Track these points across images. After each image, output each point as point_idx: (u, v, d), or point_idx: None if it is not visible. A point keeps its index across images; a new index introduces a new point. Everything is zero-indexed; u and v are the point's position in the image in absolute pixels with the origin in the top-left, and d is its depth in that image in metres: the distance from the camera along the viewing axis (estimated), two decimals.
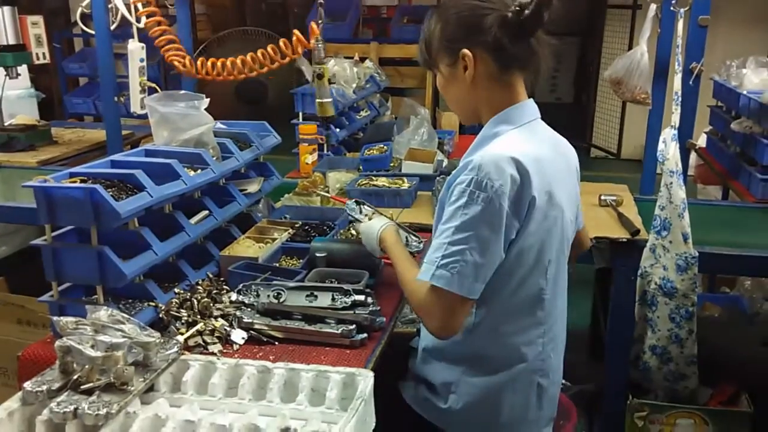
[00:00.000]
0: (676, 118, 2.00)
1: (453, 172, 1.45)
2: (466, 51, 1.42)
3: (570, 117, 8.62)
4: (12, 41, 3.17)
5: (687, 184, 3.04)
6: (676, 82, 2.00)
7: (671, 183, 1.98)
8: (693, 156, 3.60)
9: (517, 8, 1.38)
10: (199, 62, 2.45)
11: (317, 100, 2.26)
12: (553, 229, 1.46)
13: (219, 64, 2.46)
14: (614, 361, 2.29)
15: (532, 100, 1.52)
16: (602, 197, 2.44)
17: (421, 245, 1.80)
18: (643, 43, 2.44)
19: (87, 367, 1.25)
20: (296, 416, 1.23)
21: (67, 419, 1.18)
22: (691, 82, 2.02)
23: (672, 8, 2.05)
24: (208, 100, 1.89)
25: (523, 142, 1.43)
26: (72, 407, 1.18)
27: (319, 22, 2.42)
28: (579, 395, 2.54)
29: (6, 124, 3.45)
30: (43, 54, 3.34)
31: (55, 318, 1.35)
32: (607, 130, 7.02)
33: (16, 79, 3.35)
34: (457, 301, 1.36)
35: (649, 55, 2.51)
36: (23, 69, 3.61)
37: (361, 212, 1.81)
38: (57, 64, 6.25)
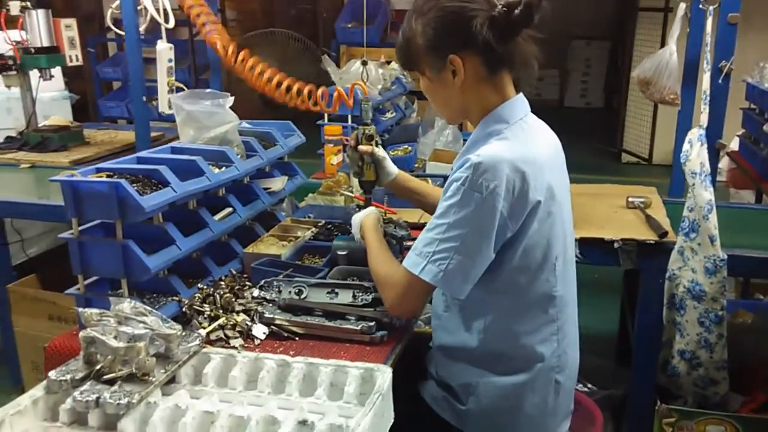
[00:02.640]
0: (704, 118, 1.96)
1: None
2: (454, 57, 1.40)
3: (600, 122, 8.56)
4: (46, 43, 3.24)
5: (719, 188, 3.00)
6: (705, 81, 1.97)
7: (694, 184, 1.95)
8: (726, 159, 3.54)
9: (504, 9, 1.35)
10: (241, 54, 2.45)
11: (365, 164, 1.82)
12: (556, 225, 1.46)
13: (258, 69, 2.45)
14: (642, 366, 2.25)
15: (521, 95, 1.50)
16: (630, 199, 2.41)
17: (405, 231, 1.85)
18: (672, 42, 2.40)
19: (110, 357, 1.26)
20: (314, 410, 1.24)
21: (89, 408, 1.19)
22: (720, 81, 1.97)
23: (701, 6, 2.01)
24: (233, 98, 1.92)
25: (521, 142, 1.42)
26: (94, 396, 1.20)
27: (365, 82, 2.34)
28: (606, 400, 2.50)
29: (40, 125, 3.53)
30: (76, 56, 3.40)
31: (80, 309, 1.37)
32: (638, 134, 6.92)
33: (49, 80, 3.42)
34: (429, 291, 1.46)
35: (679, 55, 2.47)
36: (57, 71, 3.68)
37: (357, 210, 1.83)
38: (91, 68, 6.39)
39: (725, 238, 1.99)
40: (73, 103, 4.41)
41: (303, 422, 1.16)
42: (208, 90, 1.97)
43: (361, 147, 1.77)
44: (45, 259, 3.55)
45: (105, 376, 1.25)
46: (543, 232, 1.43)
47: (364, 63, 2.41)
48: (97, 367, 1.27)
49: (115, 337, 1.28)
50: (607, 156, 7.18)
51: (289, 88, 2.36)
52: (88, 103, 6.83)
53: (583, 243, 2.14)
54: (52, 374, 1.26)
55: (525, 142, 1.43)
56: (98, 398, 1.20)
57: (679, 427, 2.21)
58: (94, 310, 1.35)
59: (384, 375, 1.29)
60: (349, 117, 2.98)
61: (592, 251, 2.15)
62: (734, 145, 3.45)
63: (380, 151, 1.80)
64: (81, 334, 1.29)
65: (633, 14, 6.91)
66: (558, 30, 9.55)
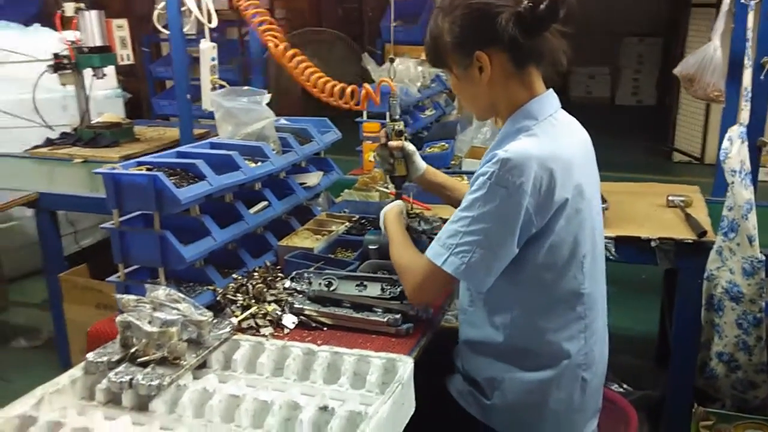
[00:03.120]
0: (745, 116, 1.92)
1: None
2: (480, 53, 1.41)
3: (652, 120, 8.36)
4: (99, 43, 3.37)
5: (765, 187, 2.91)
6: (746, 78, 1.92)
7: (733, 183, 1.90)
8: None
9: (530, 4, 1.35)
10: (290, 52, 2.52)
11: (395, 159, 1.85)
12: (585, 223, 1.45)
13: (303, 66, 2.51)
14: (679, 367, 2.21)
15: (551, 91, 1.49)
16: (670, 198, 2.36)
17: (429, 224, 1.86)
18: (716, 38, 2.35)
19: (144, 341, 1.32)
20: (336, 397, 1.27)
21: (123, 388, 1.26)
22: (762, 77, 1.92)
23: (743, 1, 1.97)
24: (270, 95, 1.97)
25: (550, 139, 1.41)
26: (128, 378, 1.26)
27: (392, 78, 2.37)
28: (642, 400, 2.46)
29: (93, 121, 3.67)
30: (128, 55, 3.53)
31: (118, 296, 1.44)
32: (690, 133, 6.74)
33: (102, 79, 3.56)
34: (449, 282, 1.46)
35: (724, 51, 2.41)
36: (110, 70, 3.83)
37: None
38: (145, 67, 6.58)
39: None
40: (125, 101, 4.58)
41: (324, 408, 1.20)
42: (246, 87, 2.03)
43: (391, 143, 1.80)
44: (96, 249, 3.70)
45: (139, 359, 1.32)
46: (570, 230, 1.43)
47: (392, 60, 2.44)
48: (132, 350, 1.34)
49: (150, 322, 1.34)
50: (658, 155, 7.01)
51: (323, 86, 2.41)
52: (142, 101, 7.06)
53: (619, 241, 2.12)
54: (90, 356, 1.34)
55: (554, 139, 1.43)
56: (131, 380, 1.26)
57: (716, 430, 2.16)
58: (132, 297, 1.41)
59: (405, 365, 1.32)
60: (387, 114, 3.01)
61: (629, 250, 2.12)
62: None
63: (409, 146, 1.83)
64: (118, 318, 1.36)
65: (685, 10, 6.73)
66: (609, 27, 9.40)
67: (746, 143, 1.91)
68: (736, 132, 1.93)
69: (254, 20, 2.52)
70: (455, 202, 1.85)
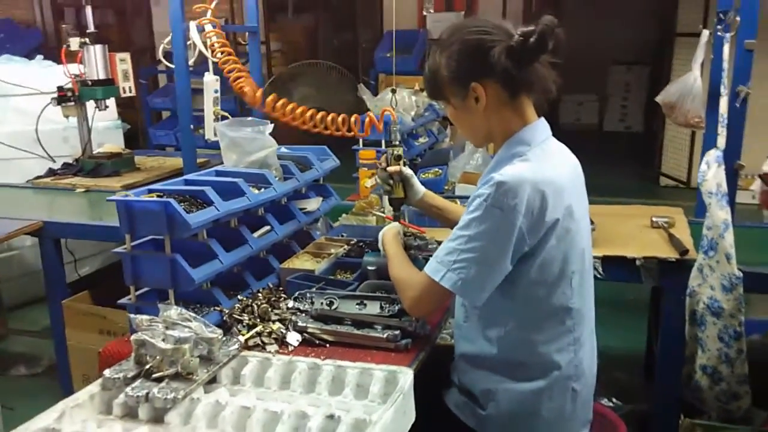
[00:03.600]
0: (721, 141, 2.03)
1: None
2: (476, 84, 1.52)
3: (640, 146, 8.53)
4: (102, 76, 3.48)
5: (754, 210, 3.02)
6: (722, 105, 2.04)
7: (710, 204, 2.01)
8: (758, 182, 3.55)
9: (521, 38, 1.46)
10: (270, 97, 2.62)
11: (394, 182, 1.94)
12: (574, 242, 1.55)
13: (288, 108, 2.59)
14: (665, 380, 2.30)
15: (542, 119, 1.60)
16: (654, 219, 2.47)
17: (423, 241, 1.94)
18: (696, 68, 2.48)
19: (158, 358, 1.41)
20: (341, 407, 1.35)
21: (139, 402, 1.34)
22: (737, 105, 2.05)
23: (719, 33, 2.10)
24: (272, 125, 2.07)
25: (541, 163, 1.51)
26: (144, 392, 1.34)
27: (394, 108, 2.47)
28: (631, 414, 2.54)
29: (94, 152, 3.77)
30: (129, 88, 3.63)
31: (132, 315, 1.52)
32: (676, 158, 6.90)
33: (104, 110, 3.66)
34: (446, 296, 1.55)
35: (703, 80, 2.54)
36: (111, 102, 3.94)
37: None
38: (142, 98, 6.72)
39: (756, 257, 2.03)
40: (124, 131, 4.68)
41: (330, 416, 1.28)
42: (250, 118, 2.13)
43: (390, 168, 1.90)
44: (95, 278, 3.76)
45: (154, 375, 1.40)
46: (561, 248, 1.53)
47: (393, 91, 2.56)
48: (147, 366, 1.41)
49: (163, 340, 1.42)
50: (645, 179, 7.16)
51: (322, 119, 2.51)
52: (139, 131, 7.18)
53: (606, 261, 2.22)
54: (107, 372, 1.41)
55: (546, 164, 1.53)
56: (148, 394, 1.34)
57: None
58: (145, 317, 1.50)
59: (406, 376, 1.40)
60: (383, 142, 3.13)
61: (616, 269, 2.22)
62: (766, 167, 3.46)
63: (407, 171, 1.93)
64: (133, 337, 1.44)
65: (671, 39, 6.93)
66: (597, 55, 9.62)
67: (722, 167, 2.02)
68: (713, 156, 2.04)
69: (227, 67, 2.64)
70: (453, 224, 1.95)
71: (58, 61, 4.36)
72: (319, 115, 2.53)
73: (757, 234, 2.74)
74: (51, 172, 3.70)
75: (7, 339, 3.92)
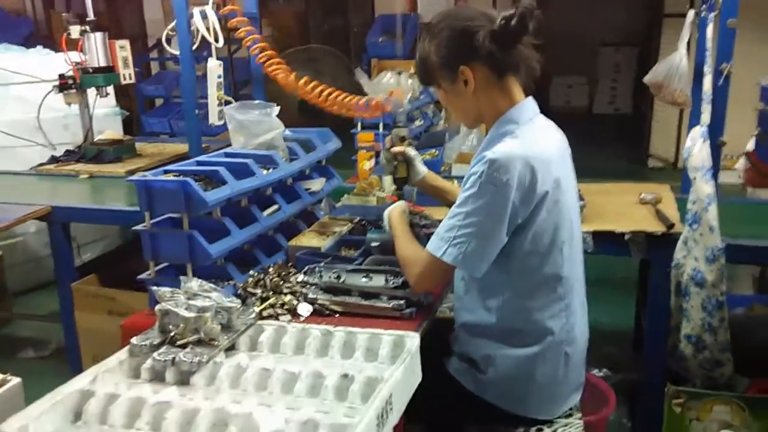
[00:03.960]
0: (705, 117, 2.14)
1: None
2: (464, 68, 1.62)
3: (629, 128, 8.65)
4: (103, 64, 3.55)
5: (738, 187, 3.14)
6: (706, 83, 2.15)
7: (695, 178, 2.12)
8: (743, 160, 3.68)
9: (503, 21, 1.57)
10: (302, 81, 2.74)
11: (397, 162, 2.06)
12: (563, 213, 1.66)
13: (318, 90, 2.73)
14: (652, 350, 2.42)
15: (530, 98, 1.71)
16: (642, 195, 2.59)
17: (428, 220, 2.03)
18: (682, 47, 2.58)
19: (182, 326, 1.51)
20: (354, 368, 1.45)
21: (167, 366, 1.44)
22: (720, 83, 2.15)
23: (702, 14, 2.20)
24: (279, 107, 2.16)
25: (530, 139, 1.62)
26: (171, 357, 1.44)
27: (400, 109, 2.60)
28: (621, 384, 2.67)
29: (95, 139, 3.84)
30: (129, 75, 3.70)
31: (154, 288, 1.62)
32: (664, 139, 7.02)
33: (105, 97, 3.74)
34: (448, 271, 1.68)
35: (689, 60, 2.64)
36: (110, 89, 4.00)
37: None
38: (136, 85, 6.75)
39: (741, 230, 2.12)
40: (123, 118, 4.74)
41: (345, 375, 1.39)
42: (257, 101, 2.22)
43: (394, 148, 2.01)
44: (100, 262, 3.85)
45: (178, 342, 1.50)
46: (551, 219, 1.64)
47: (399, 73, 2.68)
48: (171, 334, 1.52)
49: (187, 309, 1.52)
50: (633, 161, 7.29)
51: (348, 102, 2.66)
52: (133, 118, 7.22)
53: (596, 236, 2.33)
54: (134, 340, 1.52)
55: (534, 140, 1.64)
56: (174, 358, 1.44)
57: (687, 407, 2.37)
58: (167, 289, 1.60)
59: (413, 340, 1.51)
60: (381, 125, 3.22)
61: (605, 243, 2.34)
62: (751, 146, 3.59)
63: (411, 151, 2.03)
64: (157, 307, 1.54)
65: (659, 20, 7.02)
66: (586, 37, 9.72)
67: (707, 142, 2.13)
68: (698, 132, 2.15)
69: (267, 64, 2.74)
70: (452, 204, 2.06)
71: (54, 49, 4.42)
72: (342, 97, 2.65)
73: (738, 208, 2.88)
74: (54, 159, 3.78)
75: (14, 324, 4.00)
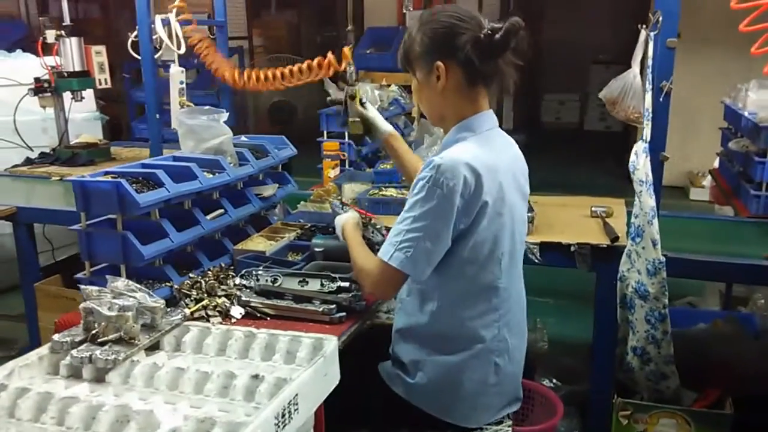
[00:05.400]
0: (647, 133, 2.17)
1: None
2: (440, 63, 1.65)
3: (618, 145, 8.68)
4: (78, 68, 3.59)
5: (704, 204, 3.14)
6: (647, 100, 2.18)
7: (641, 192, 2.15)
8: (708, 178, 3.70)
9: (489, 32, 1.60)
10: (245, 74, 2.80)
11: (350, 119, 2.28)
12: (505, 225, 1.67)
13: (261, 75, 2.79)
14: (600, 361, 2.43)
15: (491, 111, 1.73)
16: (593, 208, 2.61)
17: (381, 234, 2.04)
18: (636, 65, 2.60)
19: (103, 324, 1.52)
20: (269, 370, 1.46)
21: (83, 363, 1.45)
22: (660, 100, 2.18)
23: (644, 32, 2.24)
24: (227, 114, 2.19)
25: (480, 148, 1.64)
26: (88, 354, 1.46)
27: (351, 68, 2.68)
28: (571, 395, 2.68)
29: (71, 142, 3.87)
30: (105, 80, 3.73)
31: (83, 287, 1.63)
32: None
33: (80, 102, 3.76)
34: (400, 276, 1.63)
35: (643, 77, 2.66)
36: (88, 94, 4.03)
37: (342, 209, 2.06)
38: (127, 92, 6.81)
39: (687, 245, 2.15)
40: (103, 123, 4.78)
41: (255, 376, 1.40)
42: (207, 107, 2.25)
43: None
44: (70, 262, 3.86)
45: (99, 339, 1.51)
46: (492, 230, 1.65)
47: (349, 32, 2.77)
48: (93, 332, 1.53)
49: (109, 308, 1.54)
50: (618, 177, 7.31)
51: (291, 72, 2.71)
52: (122, 124, 7.26)
53: (543, 247, 2.35)
54: (55, 337, 1.53)
55: (484, 149, 1.66)
56: (91, 355, 1.45)
57: (634, 419, 2.38)
58: (94, 287, 1.61)
59: (330, 342, 1.52)
60: (346, 134, 3.27)
61: (553, 254, 2.36)
62: (716, 164, 3.62)
63: (370, 112, 2.14)
64: (81, 305, 1.56)
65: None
66: (578, 55, 9.78)
67: (649, 157, 2.15)
68: (641, 147, 2.17)
69: (208, 59, 2.80)
70: (406, 173, 2.09)
71: (38, 54, 4.47)
72: (288, 69, 2.69)
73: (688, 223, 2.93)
74: (28, 161, 3.80)
75: None
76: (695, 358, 2.47)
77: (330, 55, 2.72)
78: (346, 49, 2.69)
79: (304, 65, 2.74)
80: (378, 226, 2.15)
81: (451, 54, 1.64)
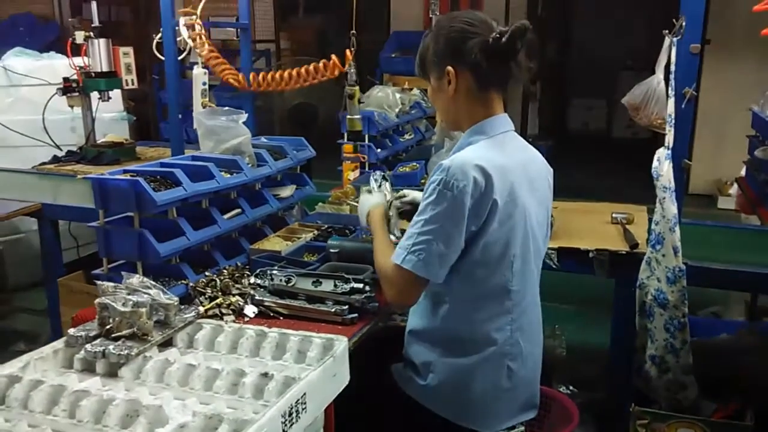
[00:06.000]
0: (669, 139, 2.14)
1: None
2: (450, 68, 1.66)
3: (646, 152, 8.57)
4: (105, 69, 3.65)
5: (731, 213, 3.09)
6: (670, 106, 2.15)
7: (664, 198, 2.11)
8: (735, 186, 3.64)
9: (497, 36, 1.60)
10: (251, 77, 2.84)
11: (348, 117, 2.47)
12: (516, 228, 1.65)
13: (269, 77, 2.83)
14: (617, 370, 2.40)
15: (506, 114, 1.72)
16: (614, 215, 2.58)
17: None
18: (659, 71, 2.57)
19: (117, 319, 1.54)
20: (279, 368, 1.47)
21: (97, 357, 1.48)
22: (683, 106, 2.15)
23: (667, 38, 2.21)
24: (246, 115, 2.21)
25: (491, 150, 1.64)
26: (101, 348, 1.48)
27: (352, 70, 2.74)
28: (588, 403, 2.64)
29: (98, 141, 3.94)
30: (132, 80, 3.80)
31: (99, 282, 1.66)
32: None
33: (108, 102, 3.83)
34: (417, 280, 1.61)
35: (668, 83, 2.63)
36: (116, 94, 4.10)
37: (378, 186, 2.03)
38: (155, 93, 6.91)
39: (709, 254, 2.12)
40: (131, 123, 4.85)
41: (264, 374, 1.41)
42: (226, 108, 2.27)
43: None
44: (91, 259, 3.92)
45: (113, 335, 1.54)
46: (503, 231, 1.64)
47: (354, 35, 2.80)
48: (107, 327, 1.55)
49: (123, 304, 1.56)
50: (645, 185, 7.22)
51: (298, 74, 2.76)
52: (151, 125, 7.37)
53: (561, 253, 2.33)
54: (71, 331, 1.56)
55: (495, 151, 1.65)
56: (104, 350, 1.48)
57: (651, 429, 2.33)
58: (110, 283, 1.64)
59: (341, 343, 1.53)
60: (366, 137, 3.27)
61: (570, 261, 2.33)
62: (743, 172, 3.55)
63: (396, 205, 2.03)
64: (96, 301, 1.58)
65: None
66: (607, 60, 9.67)
67: (671, 163, 2.12)
68: (663, 153, 2.14)
69: (218, 69, 2.85)
70: None
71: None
72: (295, 71, 2.72)
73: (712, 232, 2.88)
74: (55, 159, 3.88)
75: (11, 317, 4.10)
76: (717, 368, 2.42)
77: (334, 58, 2.76)
78: (348, 52, 2.73)
79: (310, 67, 2.81)
80: (405, 198, 2.05)
81: (460, 59, 1.64)
